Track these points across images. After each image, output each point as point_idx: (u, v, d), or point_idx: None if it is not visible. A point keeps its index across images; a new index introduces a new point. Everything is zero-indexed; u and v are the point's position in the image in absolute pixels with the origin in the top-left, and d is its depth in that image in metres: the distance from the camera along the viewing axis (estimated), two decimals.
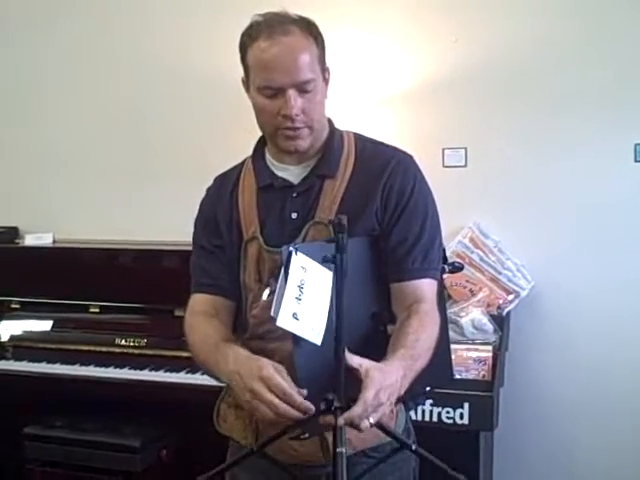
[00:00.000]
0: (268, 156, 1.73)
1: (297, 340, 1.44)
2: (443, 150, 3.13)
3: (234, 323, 1.72)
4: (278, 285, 1.46)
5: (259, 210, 1.68)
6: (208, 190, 1.81)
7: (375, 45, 3.16)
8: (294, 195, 1.66)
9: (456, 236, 3.05)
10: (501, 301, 2.95)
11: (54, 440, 2.92)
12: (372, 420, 1.36)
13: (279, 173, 1.69)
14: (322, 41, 1.65)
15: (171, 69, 3.41)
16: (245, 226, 1.68)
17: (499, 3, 3.05)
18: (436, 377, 1.82)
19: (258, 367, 1.42)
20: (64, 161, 3.62)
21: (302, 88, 1.58)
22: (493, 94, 3.08)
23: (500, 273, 2.98)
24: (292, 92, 1.57)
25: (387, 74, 3.15)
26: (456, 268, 1.97)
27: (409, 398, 1.72)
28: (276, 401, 1.37)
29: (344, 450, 1.31)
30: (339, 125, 1.75)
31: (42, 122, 3.64)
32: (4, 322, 3.24)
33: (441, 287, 1.73)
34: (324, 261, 1.37)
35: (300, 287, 1.42)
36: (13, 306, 3.27)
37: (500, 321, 2.86)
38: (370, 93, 3.14)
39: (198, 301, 1.73)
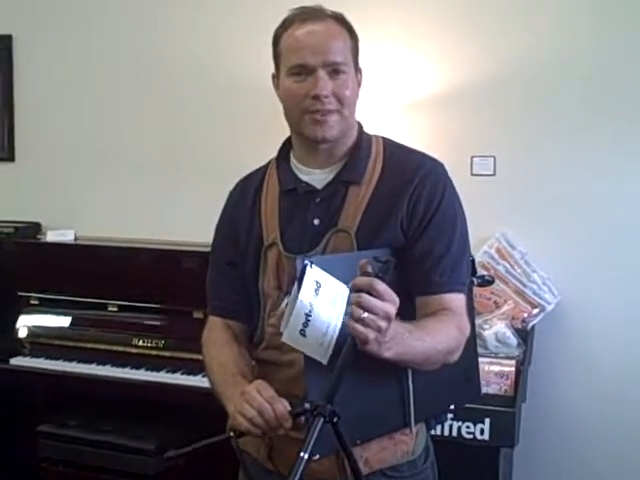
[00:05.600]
0: (293, 159, 1.68)
1: (307, 355, 1.41)
2: (472, 158, 3.07)
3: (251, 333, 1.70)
4: (290, 298, 1.41)
5: (281, 215, 1.63)
6: (230, 194, 1.77)
7: (405, 50, 3.11)
8: (317, 201, 1.60)
9: (482, 246, 2.98)
10: (526, 315, 2.88)
11: (68, 439, 2.90)
12: (364, 315, 1.29)
13: (303, 177, 1.64)
14: (356, 37, 1.62)
15: (201, 69, 3.39)
16: (266, 231, 1.63)
17: (531, 11, 2.98)
18: (464, 394, 1.77)
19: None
20: (88, 158, 3.60)
21: (333, 70, 1.55)
22: (523, 103, 3.02)
23: (525, 286, 2.91)
24: (322, 72, 1.54)
25: (416, 79, 3.10)
26: (486, 282, 1.92)
27: (433, 417, 1.68)
28: (246, 407, 1.41)
29: (305, 456, 1.26)
30: (367, 130, 1.70)
31: (67, 120, 3.63)
32: (22, 317, 3.22)
33: (470, 302, 1.66)
34: None
35: (312, 302, 1.35)
36: (32, 302, 3.25)
37: (524, 335, 2.80)
38: (399, 97, 3.09)
39: (216, 323, 1.73)
